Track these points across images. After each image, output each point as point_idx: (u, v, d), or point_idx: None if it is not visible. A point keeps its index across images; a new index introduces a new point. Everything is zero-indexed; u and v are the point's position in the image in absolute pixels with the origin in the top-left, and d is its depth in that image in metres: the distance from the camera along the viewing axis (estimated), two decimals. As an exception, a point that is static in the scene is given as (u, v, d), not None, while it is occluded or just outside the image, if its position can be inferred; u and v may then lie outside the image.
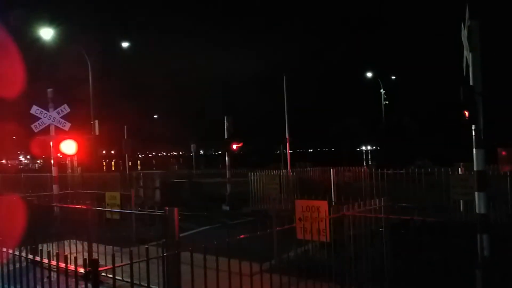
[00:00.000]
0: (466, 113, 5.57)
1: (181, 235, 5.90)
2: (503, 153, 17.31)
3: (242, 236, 5.06)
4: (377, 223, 6.31)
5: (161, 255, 4.90)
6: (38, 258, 4.67)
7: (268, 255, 6.79)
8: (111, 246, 6.97)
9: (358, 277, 5.97)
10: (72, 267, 3.99)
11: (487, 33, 5.81)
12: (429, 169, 12.23)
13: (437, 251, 5.61)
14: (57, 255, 4.22)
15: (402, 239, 6.05)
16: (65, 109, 11.00)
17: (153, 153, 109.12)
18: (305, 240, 6.50)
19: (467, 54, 5.65)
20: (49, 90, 11.14)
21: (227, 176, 17.48)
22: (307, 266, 5.88)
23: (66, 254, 4.22)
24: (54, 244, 8.34)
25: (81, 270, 3.93)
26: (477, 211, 5.71)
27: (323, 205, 6.58)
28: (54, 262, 4.24)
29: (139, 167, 52.87)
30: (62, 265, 4.14)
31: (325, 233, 6.31)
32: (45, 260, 4.45)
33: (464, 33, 5.65)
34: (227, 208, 16.53)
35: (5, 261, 5.08)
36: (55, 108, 10.96)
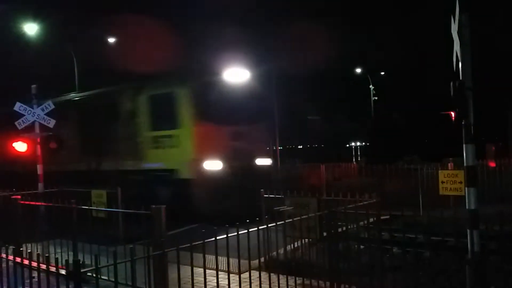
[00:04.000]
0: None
1: (168, 233, 5.79)
2: (493, 148, 17.44)
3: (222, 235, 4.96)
4: (367, 219, 6.25)
5: (147, 255, 4.78)
6: (19, 259, 4.52)
7: (258, 252, 6.71)
8: (97, 245, 6.84)
9: (348, 274, 5.92)
10: (53, 268, 3.86)
11: (479, 27, 5.76)
12: (418, 166, 12.24)
13: (427, 247, 5.58)
14: (38, 256, 4.09)
15: (392, 235, 6.01)
16: (50, 106, 10.79)
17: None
18: (295, 237, 6.44)
19: (457, 49, 5.58)
20: (33, 86, 10.92)
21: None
22: (296, 263, 5.81)
23: (47, 255, 4.08)
24: (39, 244, 8.17)
25: (64, 271, 3.81)
26: (467, 207, 5.67)
27: (313, 201, 6.52)
28: (35, 263, 4.11)
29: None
30: (44, 266, 4.01)
31: (315, 230, 6.25)
32: (26, 261, 4.31)
33: (454, 27, 5.59)
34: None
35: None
36: (39, 105, 10.75)
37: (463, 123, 5.66)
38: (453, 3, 5.61)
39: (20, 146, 12.26)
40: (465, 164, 5.74)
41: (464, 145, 5.75)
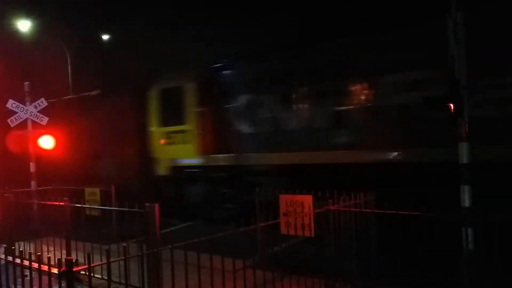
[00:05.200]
0: (452, 105, 5.53)
1: (162, 231, 5.76)
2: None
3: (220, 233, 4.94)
4: (362, 217, 6.25)
5: (141, 253, 4.75)
6: (11, 258, 4.48)
7: (252, 251, 6.69)
8: (90, 244, 6.79)
9: (343, 272, 5.91)
10: (45, 267, 3.82)
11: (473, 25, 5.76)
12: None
13: (422, 245, 5.58)
14: (30, 254, 4.04)
15: (386, 233, 6.01)
16: (43, 103, 10.73)
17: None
18: (289, 236, 6.42)
19: (452, 47, 5.59)
20: (26, 83, 10.85)
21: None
22: (291, 262, 5.80)
23: (39, 253, 4.04)
24: (32, 242, 8.11)
25: (55, 270, 3.77)
26: (461, 204, 5.69)
27: (307, 199, 6.50)
28: (27, 262, 4.06)
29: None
30: (36, 265, 3.97)
31: (310, 228, 6.24)
32: (18, 260, 4.26)
33: (449, 25, 5.59)
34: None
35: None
36: (32, 102, 10.68)
37: (457, 121, 5.67)
38: (449, 1, 5.62)
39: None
40: (459, 162, 5.76)
41: (458, 143, 5.76)
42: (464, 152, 5.70)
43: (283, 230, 6.34)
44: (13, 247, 6.16)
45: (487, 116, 7.02)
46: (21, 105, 10.57)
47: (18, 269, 4.40)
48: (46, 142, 11.36)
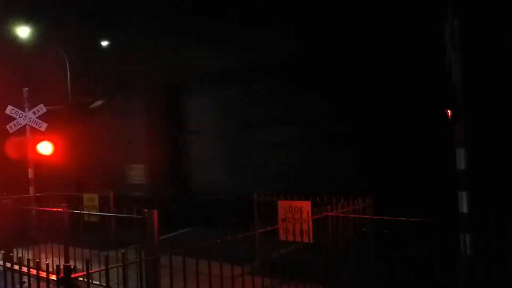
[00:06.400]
0: (449, 112, 5.55)
1: (161, 237, 5.76)
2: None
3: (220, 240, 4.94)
4: (361, 223, 6.26)
5: (139, 259, 4.75)
6: (9, 265, 4.47)
7: (251, 257, 6.69)
8: (89, 250, 6.78)
9: (342, 278, 5.91)
10: (44, 274, 3.81)
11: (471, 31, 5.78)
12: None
13: (420, 251, 5.59)
14: (28, 261, 4.04)
15: (385, 239, 6.02)
16: (42, 109, 10.73)
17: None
18: (288, 242, 6.41)
19: (449, 52, 5.62)
20: (25, 89, 10.86)
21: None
22: (289, 268, 5.79)
23: (37, 260, 4.04)
24: (30, 249, 8.09)
25: (54, 277, 3.76)
26: (459, 210, 5.70)
27: (306, 205, 6.51)
28: (25, 269, 4.06)
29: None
30: (34, 271, 3.96)
31: (308, 234, 6.24)
32: (17, 267, 4.26)
33: (446, 31, 5.62)
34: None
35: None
36: (30, 108, 10.69)
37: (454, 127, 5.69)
38: (446, 7, 5.66)
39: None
40: (457, 168, 5.78)
41: (456, 149, 5.78)
42: (461, 158, 5.72)
43: (282, 236, 6.33)
44: (11, 254, 6.13)
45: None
46: (20, 111, 10.58)
47: (16, 275, 4.40)
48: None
